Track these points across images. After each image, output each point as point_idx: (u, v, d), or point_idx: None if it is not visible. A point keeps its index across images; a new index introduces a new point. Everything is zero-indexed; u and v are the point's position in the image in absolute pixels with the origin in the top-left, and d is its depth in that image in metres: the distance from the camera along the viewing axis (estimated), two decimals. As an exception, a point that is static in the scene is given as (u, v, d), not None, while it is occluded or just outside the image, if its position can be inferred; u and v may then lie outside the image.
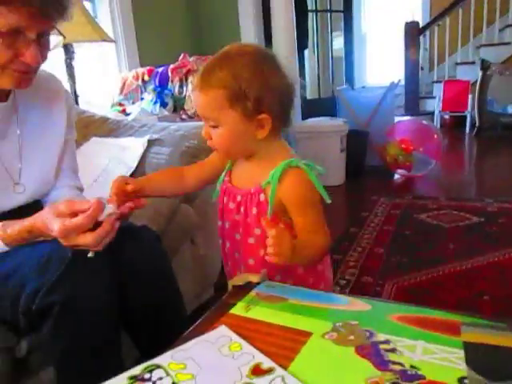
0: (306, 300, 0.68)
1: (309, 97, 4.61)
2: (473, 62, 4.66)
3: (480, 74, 4.32)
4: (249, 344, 0.58)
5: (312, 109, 3.67)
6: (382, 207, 2.49)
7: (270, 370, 0.52)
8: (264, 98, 0.74)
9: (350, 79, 4.71)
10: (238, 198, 0.82)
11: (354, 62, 4.92)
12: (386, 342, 0.56)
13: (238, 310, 0.67)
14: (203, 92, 0.74)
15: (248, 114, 0.74)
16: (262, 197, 0.79)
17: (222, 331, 0.61)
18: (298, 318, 0.63)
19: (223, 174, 0.88)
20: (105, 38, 1.86)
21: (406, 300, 1.52)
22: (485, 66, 4.29)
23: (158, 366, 0.55)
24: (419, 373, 0.49)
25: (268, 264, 0.74)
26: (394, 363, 0.51)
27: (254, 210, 0.80)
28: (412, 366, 0.50)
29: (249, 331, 0.61)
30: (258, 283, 0.75)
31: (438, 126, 4.77)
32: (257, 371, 0.52)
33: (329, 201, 0.78)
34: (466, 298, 1.50)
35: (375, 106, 3.16)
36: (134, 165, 1.43)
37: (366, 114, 3.17)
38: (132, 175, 1.43)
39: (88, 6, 2.55)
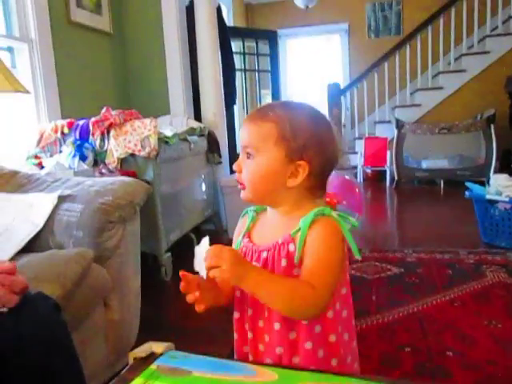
0: (211, 372, 0.63)
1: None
2: (389, 121, 5.05)
3: (396, 132, 4.68)
4: (140, 431, 0.51)
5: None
6: (309, 260, 2.50)
7: None
8: (310, 147, 0.73)
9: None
10: (264, 255, 0.74)
11: (281, 118, 5.12)
12: (290, 417, 0.52)
13: (135, 387, 0.61)
14: (255, 122, 0.75)
15: (289, 155, 0.73)
16: (291, 247, 0.72)
17: (111, 416, 0.54)
18: (199, 394, 0.58)
19: (240, 237, 0.81)
20: (19, 89, 1.77)
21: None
22: (399, 125, 4.66)
23: None
24: None
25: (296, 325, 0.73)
26: None
27: (284, 262, 0.72)
28: None
29: (143, 414, 0.55)
30: (162, 354, 0.69)
31: (361, 179, 5.02)
32: None
33: (358, 256, 0.71)
34: (388, 352, 1.50)
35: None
36: (42, 223, 1.32)
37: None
38: (38, 234, 1.32)
39: (6, 56, 2.46)
